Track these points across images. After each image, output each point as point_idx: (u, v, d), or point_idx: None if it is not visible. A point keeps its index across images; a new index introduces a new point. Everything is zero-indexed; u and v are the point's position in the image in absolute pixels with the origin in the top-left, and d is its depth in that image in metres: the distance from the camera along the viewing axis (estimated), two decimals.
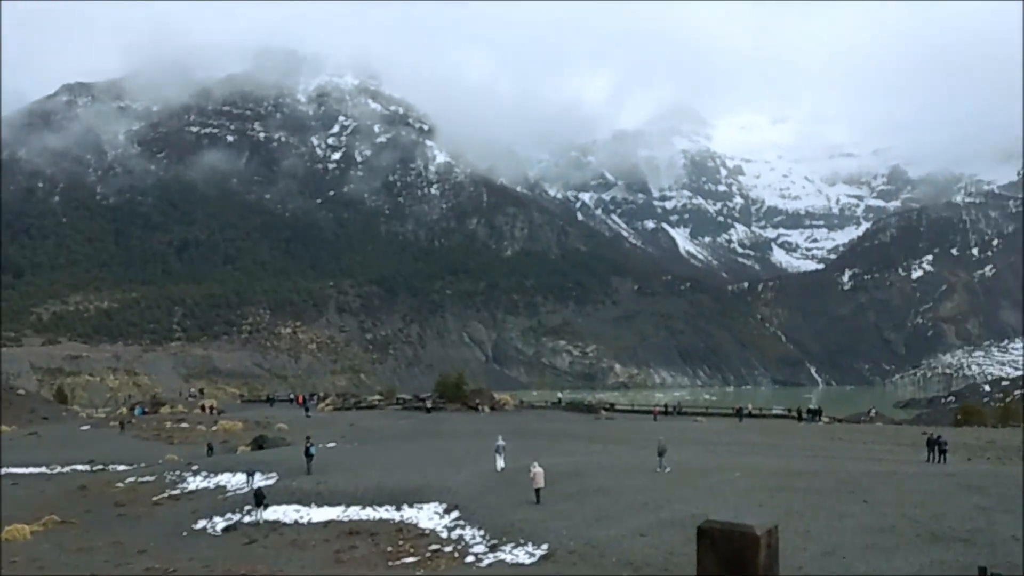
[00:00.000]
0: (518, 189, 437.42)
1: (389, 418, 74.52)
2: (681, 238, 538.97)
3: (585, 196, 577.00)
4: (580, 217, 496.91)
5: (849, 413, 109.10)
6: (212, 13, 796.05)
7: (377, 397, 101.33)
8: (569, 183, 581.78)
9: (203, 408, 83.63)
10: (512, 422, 65.12)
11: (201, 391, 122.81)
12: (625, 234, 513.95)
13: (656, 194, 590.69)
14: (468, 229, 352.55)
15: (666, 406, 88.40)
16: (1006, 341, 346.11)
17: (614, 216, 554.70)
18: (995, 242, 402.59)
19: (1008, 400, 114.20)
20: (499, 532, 24.33)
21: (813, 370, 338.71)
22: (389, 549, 25.09)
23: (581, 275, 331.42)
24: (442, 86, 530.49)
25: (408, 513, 28.67)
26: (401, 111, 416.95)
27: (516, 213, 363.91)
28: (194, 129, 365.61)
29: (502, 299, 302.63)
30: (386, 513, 28.99)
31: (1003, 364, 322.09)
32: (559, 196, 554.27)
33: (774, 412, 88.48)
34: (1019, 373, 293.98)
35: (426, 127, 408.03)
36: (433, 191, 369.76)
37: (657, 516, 24.64)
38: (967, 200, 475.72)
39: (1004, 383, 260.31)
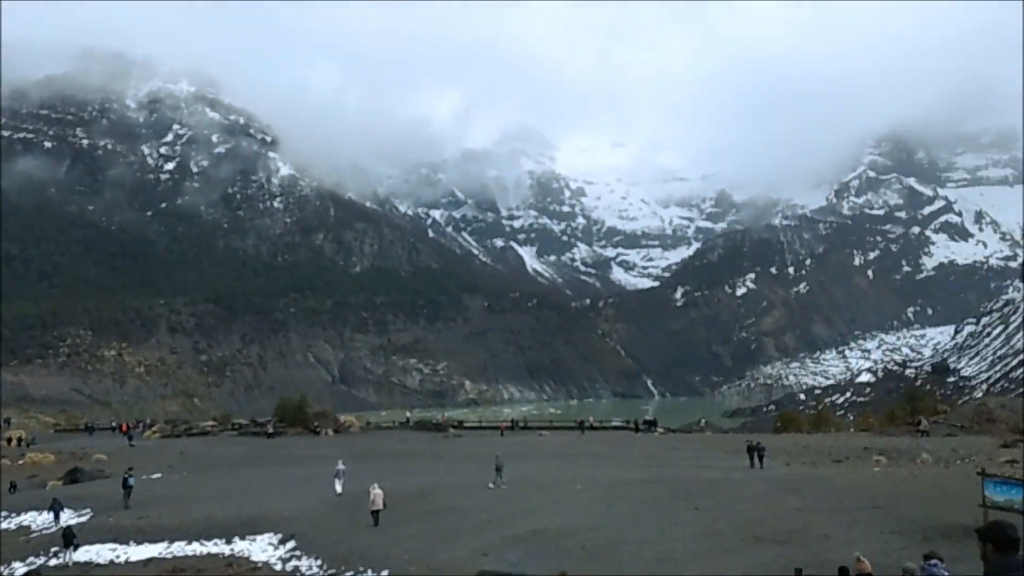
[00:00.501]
0: (367, 204, 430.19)
1: (224, 445, 70.14)
2: (528, 256, 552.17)
3: (436, 213, 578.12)
4: (431, 234, 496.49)
5: (682, 423, 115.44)
6: (26, 10, 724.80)
7: (211, 423, 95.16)
8: (420, 200, 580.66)
9: (8, 440, 74.95)
10: (357, 445, 63.30)
11: (8, 421, 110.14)
12: (475, 251, 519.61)
13: (504, 213, 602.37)
14: (314, 244, 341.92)
15: (513, 421, 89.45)
16: (818, 353, 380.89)
17: (464, 234, 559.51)
18: (808, 262, 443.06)
19: (820, 407, 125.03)
20: (337, 561, 23.33)
21: (650, 382, 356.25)
22: None
23: (432, 292, 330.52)
24: (286, 96, 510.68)
25: (240, 546, 26.91)
26: (242, 121, 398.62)
27: (365, 229, 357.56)
28: (5, 133, 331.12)
29: (350, 317, 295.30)
30: (215, 547, 27.06)
31: (815, 374, 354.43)
32: (410, 213, 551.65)
33: (614, 424, 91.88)
34: (830, 382, 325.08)
35: (269, 138, 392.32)
36: (276, 204, 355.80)
37: (500, 534, 24.61)
38: (784, 223, 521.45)
39: (817, 391, 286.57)
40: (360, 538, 25.35)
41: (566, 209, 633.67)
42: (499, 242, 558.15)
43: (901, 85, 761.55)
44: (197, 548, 27.07)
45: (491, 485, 33.41)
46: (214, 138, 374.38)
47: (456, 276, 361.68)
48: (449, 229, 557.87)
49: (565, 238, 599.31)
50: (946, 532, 23.31)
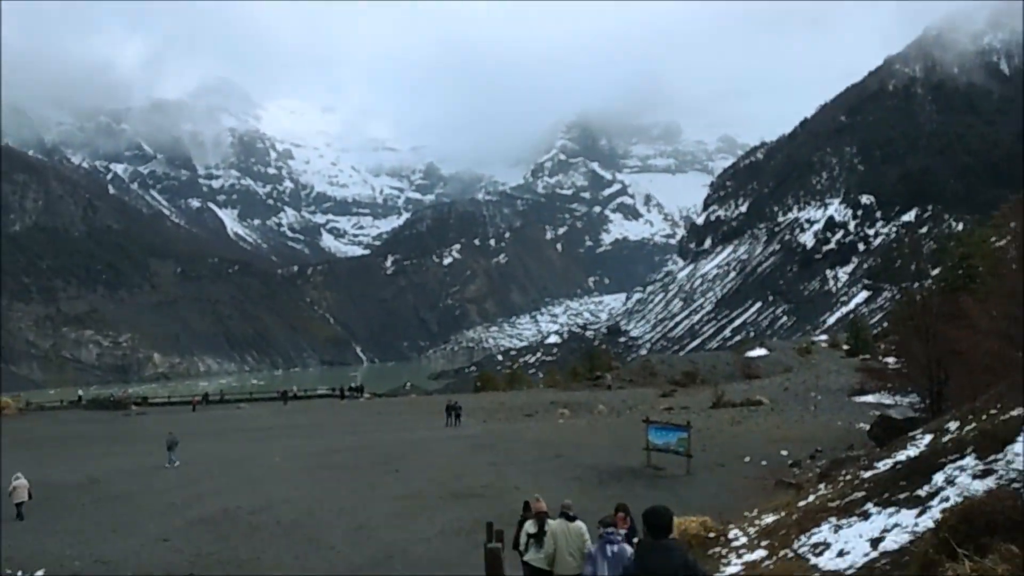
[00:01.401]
0: (30, 153, 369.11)
1: None
2: (229, 219, 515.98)
3: (118, 168, 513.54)
4: (112, 191, 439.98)
5: (389, 388, 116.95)
6: None
7: None
8: (98, 152, 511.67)
9: None
10: (12, 430, 54.10)
11: None
12: (167, 212, 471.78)
13: (202, 171, 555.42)
14: None
15: (206, 395, 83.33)
16: (514, 318, 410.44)
17: (154, 192, 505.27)
18: (507, 235, 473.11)
19: (515, 367, 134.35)
20: None
21: (359, 349, 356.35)
22: None
23: (113, 256, 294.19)
24: None
25: None
26: None
27: (27, 181, 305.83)
28: None
29: (7, 283, 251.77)
30: None
31: (512, 337, 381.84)
32: (85, 165, 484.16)
33: (319, 392, 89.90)
34: (524, 344, 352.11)
35: None
36: None
37: (185, 517, 22.40)
38: (487, 198, 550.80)
39: (512, 352, 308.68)
40: (3, 538, 21.38)
41: (272, 171, 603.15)
42: (195, 203, 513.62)
43: (588, 77, 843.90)
44: None
45: (167, 465, 30.69)
46: None
47: (143, 238, 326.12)
48: (135, 186, 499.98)
49: (271, 202, 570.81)
50: (617, 475, 26.01)
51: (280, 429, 45.47)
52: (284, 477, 27.49)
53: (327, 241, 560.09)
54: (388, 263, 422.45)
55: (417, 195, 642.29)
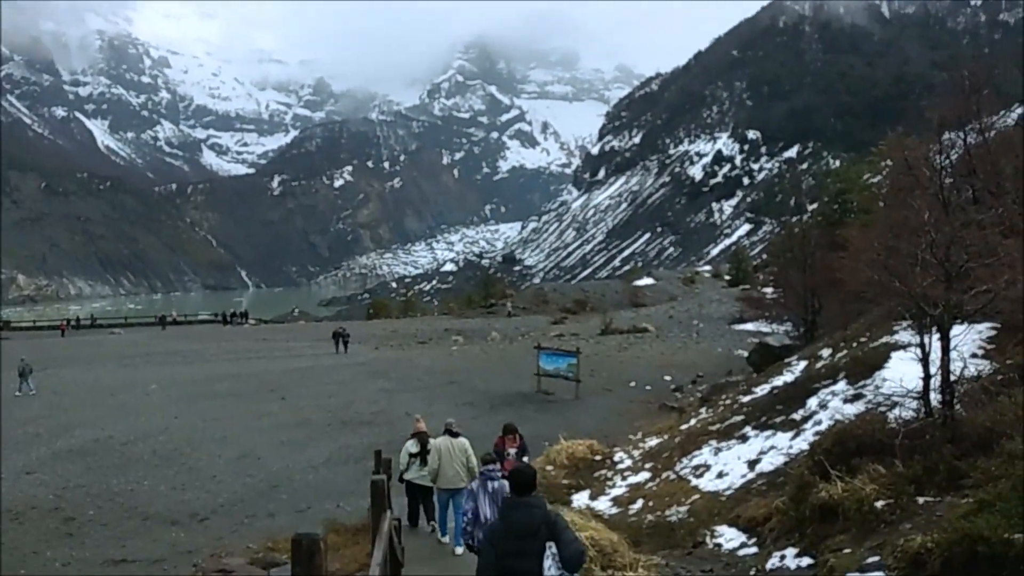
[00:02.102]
0: None
1: None
2: (99, 131, 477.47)
3: None
4: None
5: (276, 314, 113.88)
6: None
7: None
8: None
9: None
10: None
11: None
12: (28, 121, 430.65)
13: (66, 77, 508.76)
14: None
15: (77, 319, 78.59)
16: (409, 244, 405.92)
17: (11, 98, 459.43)
18: (402, 157, 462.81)
19: (409, 294, 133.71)
20: None
21: (244, 274, 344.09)
22: None
23: None
24: None
25: None
26: None
27: None
28: None
29: None
30: None
31: (407, 264, 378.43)
32: None
33: (200, 318, 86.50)
34: (419, 271, 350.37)
35: None
36: None
37: (52, 448, 21.11)
38: (380, 118, 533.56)
39: (407, 280, 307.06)
40: None
41: (146, 80, 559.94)
42: (60, 111, 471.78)
43: None
44: None
45: (17, 393, 28.85)
46: None
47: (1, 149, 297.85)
48: None
49: (145, 113, 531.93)
50: (509, 400, 26.39)
51: (158, 356, 43.43)
52: (161, 406, 26.31)
53: (208, 158, 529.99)
54: (275, 183, 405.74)
55: (306, 112, 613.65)
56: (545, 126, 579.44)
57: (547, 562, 4.45)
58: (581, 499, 14.64)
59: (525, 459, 10.53)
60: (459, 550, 9.68)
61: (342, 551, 10.71)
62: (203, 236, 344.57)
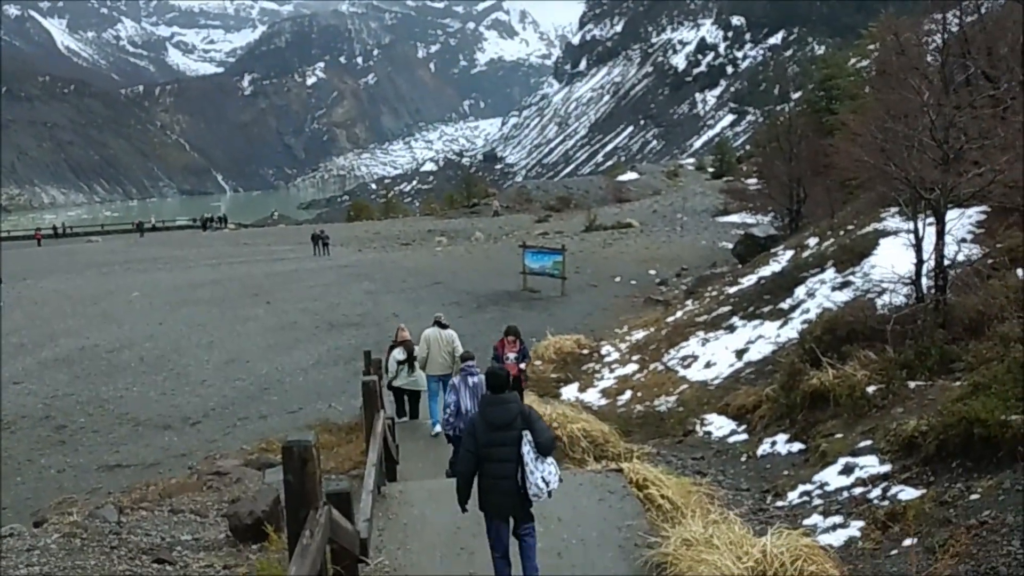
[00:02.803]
0: None
1: None
2: (58, 31, 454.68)
3: None
4: None
5: (256, 218, 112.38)
6: None
7: None
8: None
9: None
10: None
11: None
12: None
13: None
14: None
15: (53, 228, 77.26)
16: (387, 144, 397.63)
17: None
18: (375, 52, 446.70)
19: (389, 195, 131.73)
20: None
21: (220, 178, 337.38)
22: None
23: None
24: None
25: None
26: None
27: None
28: None
29: None
30: None
31: (385, 164, 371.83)
32: None
33: (178, 223, 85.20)
34: (398, 171, 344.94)
35: None
36: None
37: (37, 358, 21.02)
38: (351, 10, 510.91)
39: (387, 180, 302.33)
40: None
41: None
42: (12, 10, 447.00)
43: None
44: None
45: None
46: None
47: None
48: None
49: (105, 10, 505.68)
50: (495, 299, 26.40)
51: (137, 263, 42.89)
52: (145, 313, 26.10)
53: (174, 57, 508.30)
54: (245, 83, 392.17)
55: (273, 5, 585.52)
56: (523, 15, 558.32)
57: (525, 448, 5.06)
58: (570, 392, 14.82)
59: (523, 365, 10.83)
60: (436, 429, 10.47)
61: (336, 450, 10.84)
62: (175, 140, 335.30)
